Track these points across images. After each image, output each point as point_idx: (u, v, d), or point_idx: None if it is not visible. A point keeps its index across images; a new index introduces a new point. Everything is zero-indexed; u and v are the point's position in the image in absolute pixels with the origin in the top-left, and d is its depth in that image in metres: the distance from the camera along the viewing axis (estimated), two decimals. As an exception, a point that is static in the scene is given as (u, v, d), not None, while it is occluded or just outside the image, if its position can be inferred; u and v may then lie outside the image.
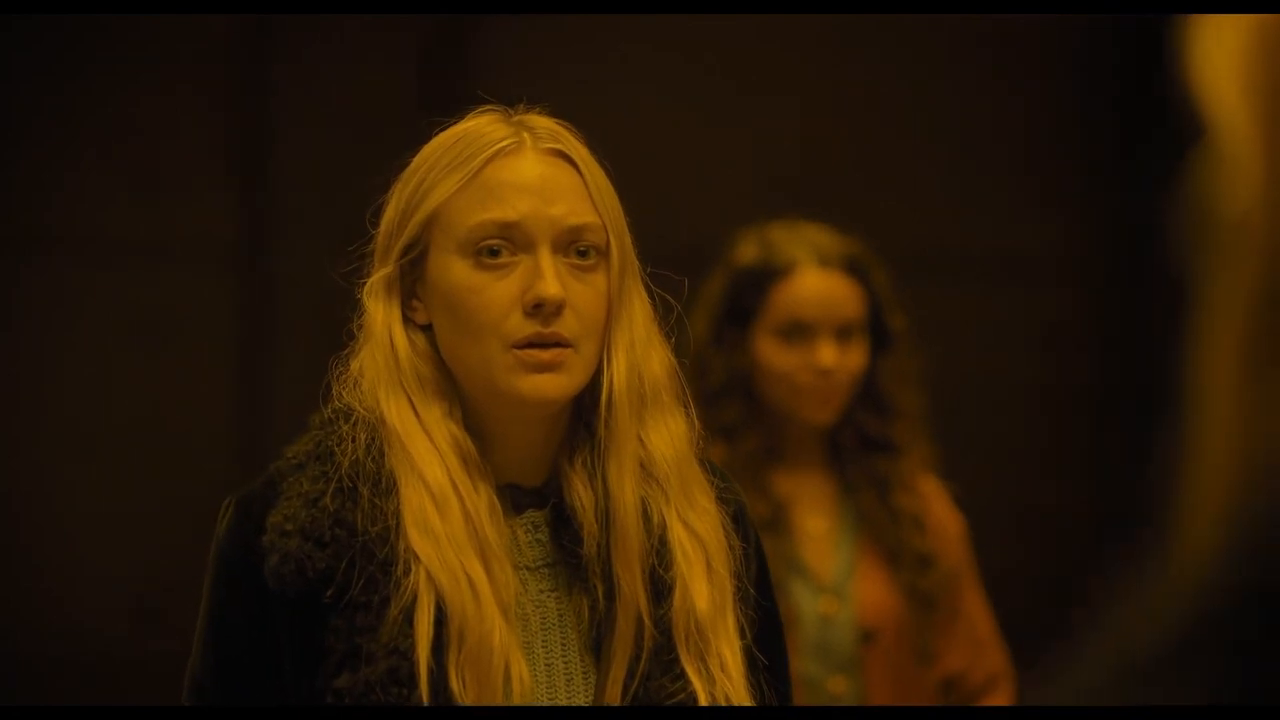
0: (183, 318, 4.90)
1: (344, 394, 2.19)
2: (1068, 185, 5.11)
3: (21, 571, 4.90)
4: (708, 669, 2.14)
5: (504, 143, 2.16)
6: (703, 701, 2.12)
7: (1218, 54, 1.08)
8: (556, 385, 2.12)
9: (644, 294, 2.20)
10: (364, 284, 2.21)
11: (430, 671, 2.06)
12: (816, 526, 3.40)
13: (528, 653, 2.13)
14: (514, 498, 2.18)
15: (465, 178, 2.15)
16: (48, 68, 4.82)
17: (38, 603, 4.89)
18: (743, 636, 2.18)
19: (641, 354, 2.17)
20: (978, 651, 3.42)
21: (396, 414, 2.14)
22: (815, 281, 3.37)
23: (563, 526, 2.17)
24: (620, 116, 4.56)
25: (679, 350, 2.24)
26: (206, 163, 4.89)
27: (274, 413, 4.84)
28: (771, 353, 3.37)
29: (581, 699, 2.14)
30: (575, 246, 2.15)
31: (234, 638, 2.14)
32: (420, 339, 2.18)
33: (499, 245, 2.14)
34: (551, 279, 2.12)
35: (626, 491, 2.14)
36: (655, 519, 2.15)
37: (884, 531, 3.37)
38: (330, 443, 2.14)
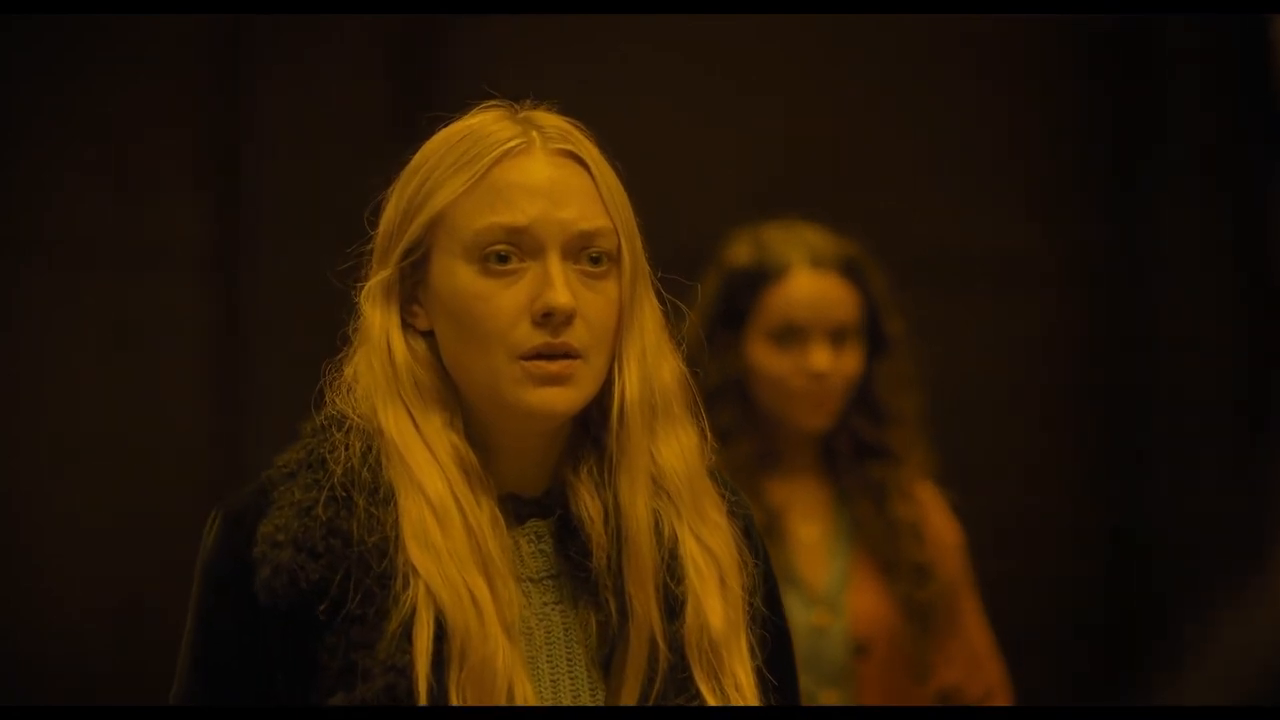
0: (161, 323, 4.86)
1: (337, 400, 2.11)
2: (1067, 187, 5.08)
3: (2, 575, 4.85)
4: (722, 688, 2.07)
5: (512, 142, 2.08)
6: (717, 722, 2.05)
7: None
8: (565, 399, 2.05)
9: (655, 300, 2.13)
10: (360, 287, 2.13)
11: (430, 689, 1.98)
12: (810, 535, 3.35)
13: (532, 668, 2.06)
14: (515, 508, 2.11)
15: (471, 179, 2.07)
16: (24, 74, 4.77)
17: (17, 605, 4.84)
18: (754, 656, 2.11)
19: (653, 363, 2.10)
20: (974, 666, 3.37)
21: (394, 424, 2.07)
22: (808, 283, 3.32)
23: (569, 538, 2.10)
24: (619, 117, 4.51)
25: (687, 358, 2.17)
26: (183, 169, 4.85)
27: (254, 419, 4.80)
28: (764, 356, 3.32)
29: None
30: (587, 253, 2.07)
31: (223, 654, 2.05)
32: (420, 345, 2.11)
33: (507, 251, 2.06)
34: (561, 287, 2.04)
35: (639, 506, 2.07)
36: (666, 532, 2.09)
37: (880, 541, 3.32)
38: (322, 450, 2.07)
